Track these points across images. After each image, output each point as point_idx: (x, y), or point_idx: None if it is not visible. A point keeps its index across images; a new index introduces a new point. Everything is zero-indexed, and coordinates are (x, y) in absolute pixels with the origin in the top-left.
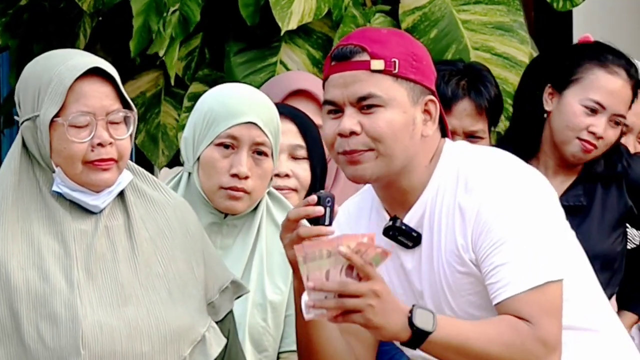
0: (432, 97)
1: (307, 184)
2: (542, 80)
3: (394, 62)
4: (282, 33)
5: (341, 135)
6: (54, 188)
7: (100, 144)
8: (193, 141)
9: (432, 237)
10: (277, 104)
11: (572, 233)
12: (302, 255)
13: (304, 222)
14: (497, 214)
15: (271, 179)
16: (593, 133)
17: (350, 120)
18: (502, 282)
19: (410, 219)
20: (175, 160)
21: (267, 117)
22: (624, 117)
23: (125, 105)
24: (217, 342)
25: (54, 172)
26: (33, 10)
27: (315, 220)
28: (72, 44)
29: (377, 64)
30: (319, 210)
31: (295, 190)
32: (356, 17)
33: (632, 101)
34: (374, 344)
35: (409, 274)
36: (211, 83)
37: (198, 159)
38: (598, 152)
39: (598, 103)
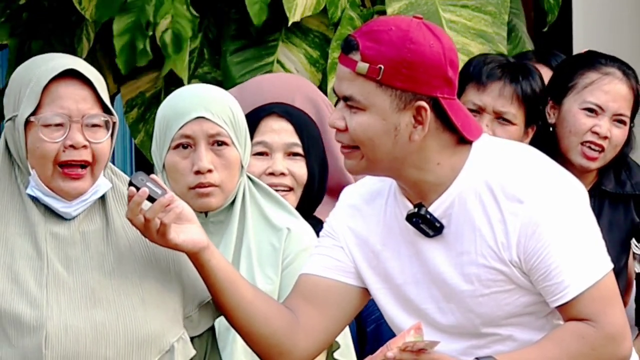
0: (424, 103)
1: (303, 182)
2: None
3: (379, 68)
4: (289, 23)
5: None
6: (28, 191)
7: (72, 146)
8: (157, 152)
9: (462, 230)
10: (272, 103)
11: None
12: None
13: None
14: (544, 216)
15: (242, 167)
16: (597, 133)
17: (337, 114)
18: (563, 284)
19: (434, 209)
20: None
21: (217, 108)
22: (626, 115)
23: (108, 110)
24: (183, 354)
25: (29, 174)
26: (32, 9)
27: (151, 200)
28: (73, 47)
29: (362, 68)
30: (143, 192)
31: (291, 188)
32: (353, 19)
33: (637, 99)
34: (343, 318)
35: (426, 261)
36: (210, 81)
37: (164, 167)
38: (607, 155)
39: (596, 104)
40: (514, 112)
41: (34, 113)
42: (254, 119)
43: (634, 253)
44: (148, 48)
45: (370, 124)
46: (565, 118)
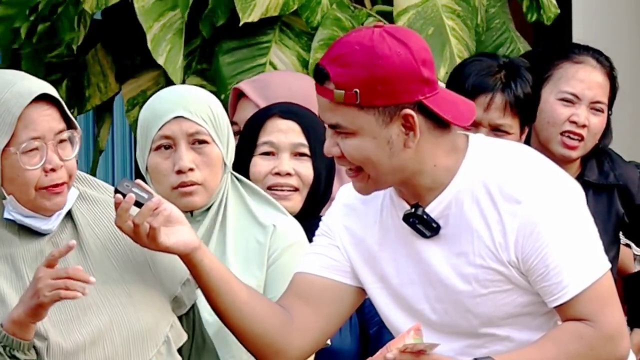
0: (409, 110)
1: (309, 182)
2: None
3: (355, 92)
4: (240, 24)
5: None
6: (5, 215)
7: (52, 169)
8: (140, 155)
9: (459, 231)
10: (279, 103)
11: None
12: None
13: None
14: (542, 216)
15: (225, 164)
16: (575, 122)
17: (329, 142)
18: (562, 284)
19: (431, 210)
20: None
21: (195, 107)
22: (603, 102)
23: (70, 124)
24: (177, 342)
25: (4, 199)
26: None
27: (138, 205)
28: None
29: (338, 96)
30: (130, 198)
31: (297, 189)
32: (340, 19)
33: (614, 87)
34: (338, 317)
35: (423, 261)
36: (208, 77)
37: (147, 169)
38: (588, 144)
39: (572, 93)
40: (510, 122)
41: (8, 142)
42: (261, 118)
43: (634, 254)
44: (22, 32)
45: (363, 145)
46: (543, 109)
